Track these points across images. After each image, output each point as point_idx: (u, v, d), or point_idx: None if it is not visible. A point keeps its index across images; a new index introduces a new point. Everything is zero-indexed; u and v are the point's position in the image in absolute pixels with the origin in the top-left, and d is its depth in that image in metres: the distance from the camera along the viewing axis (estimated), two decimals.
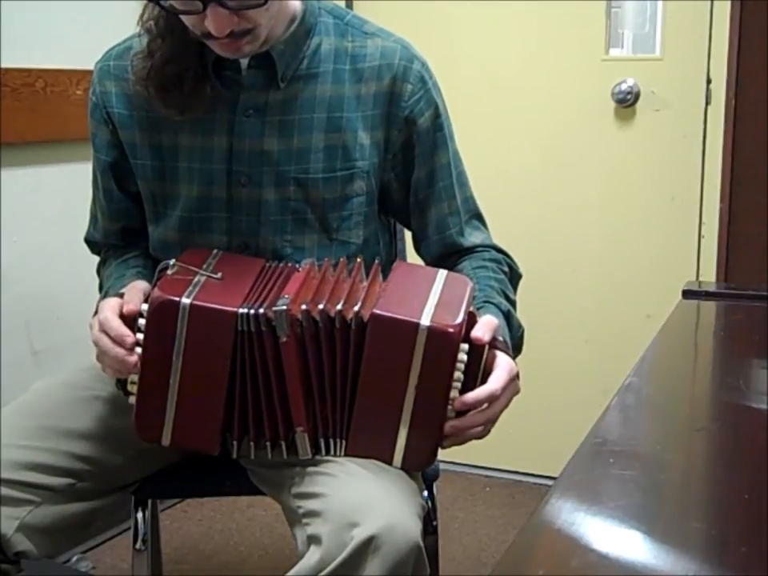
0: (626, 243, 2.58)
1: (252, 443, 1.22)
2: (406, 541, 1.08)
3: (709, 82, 2.42)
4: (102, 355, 1.23)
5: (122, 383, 1.25)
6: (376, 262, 1.29)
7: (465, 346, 1.15)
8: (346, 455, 1.20)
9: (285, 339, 1.15)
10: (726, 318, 1.48)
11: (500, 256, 1.43)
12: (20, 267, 2.11)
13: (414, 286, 1.20)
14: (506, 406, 1.19)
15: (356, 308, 1.15)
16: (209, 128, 1.35)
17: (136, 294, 1.25)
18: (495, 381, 1.17)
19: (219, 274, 1.22)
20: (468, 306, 1.18)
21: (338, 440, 1.20)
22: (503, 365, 1.19)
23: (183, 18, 1.23)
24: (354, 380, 1.16)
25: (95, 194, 1.50)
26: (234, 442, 1.22)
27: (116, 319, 1.21)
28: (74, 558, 2.21)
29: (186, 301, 1.15)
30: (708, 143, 2.45)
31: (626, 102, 2.50)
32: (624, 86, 2.50)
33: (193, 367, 1.17)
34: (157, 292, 1.17)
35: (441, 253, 1.42)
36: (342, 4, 2.70)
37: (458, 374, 1.14)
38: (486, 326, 1.17)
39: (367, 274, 1.27)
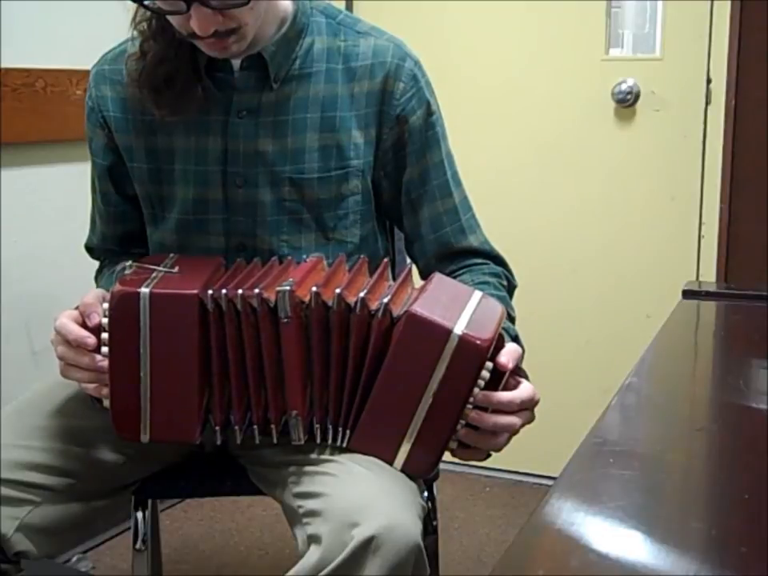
0: (626, 243, 2.59)
1: (237, 427, 1.21)
2: (406, 541, 1.08)
3: (709, 81, 2.43)
4: (67, 369, 1.22)
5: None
6: (409, 266, 1.29)
7: (489, 365, 1.14)
8: (348, 447, 1.19)
9: (286, 321, 1.14)
10: (726, 318, 1.48)
11: (499, 269, 1.43)
12: (20, 267, 2.11)
13: (450, 297, 1.19)
14: (525, 423, 1.18)
15: (385, 300, 1.14)
16: (203, 129, 1.35)
17: (92, 300, 1.22)
18: (520, 392, 1.17)
19: (176, 269, 1.23)
20: (498, 328, 1.17)
21: (341, 429, 1.19)
22: (529, 387, 1.19)
23: (170, 18, 1.23)
24: (370, 371, 1.15)
25: (94, 198, 1.50)
26: (217, 428, 1.21)
27: (71, 323, 1.20)
28: (74, 558, 2.21)
29: (145, 290, 1.16)
30: (708, 143, 2.45)
31: (626, 102, 2.50)
32: (624, 86, 2.50)
33: (161, 357, 1.17)
34: (116, 287, 1.17)
35: (436, 253, 1.41)
36: (342, 4, 2.71)
37: (476, 390, 1.14)
38: (511, 354, 1.17)
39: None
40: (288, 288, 1.14)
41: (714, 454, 0.96)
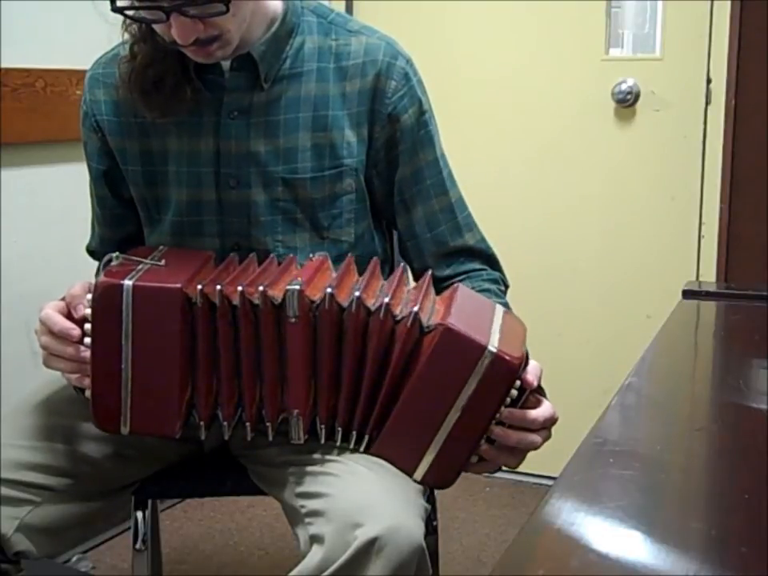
0: (626, 243, 2.59)
1: (225, 423, 1.19)
2: (409, 542, 1.08)
3: (709, 81, 2.43)
4: (50, 359, 1.21)
5: None
6: (428, 272, 1.28)
7: (518, 383, 1.14)
8: (370, 453, 1.18)
9: (294, 320, 1.14)
10: (726, 318, 1.48)
11: (496, 274, 1.43)
12: (20, 267, 2.11)
13: (475, 310, 1.19)
14: (543, 441, 1.18)
15: (415, 308, 1.13)
16: (195, 131, 1.35)
17: (79, 291, 1.23)
18: (543, 411, 1.17)
19: (162, 262, 1.22)
20: (524, 345, 1.17)
21: (354, 432, 1.18)
22: (550, 406, 1.19)
23: (154, 26, 1.23)
24: (394, 378, 1.14)
25: (92, 202, 1.51)
26: (201, 423, 1.19)
27: (57, 314, 1.20)
28: (74, 558, 2.21)
29: (128, 282, 1.15)
30: (708, 143, 2.45)
31: (626, 102, 2.50)
32: (624, 86, 2.50)
33: (143, 349, 1.16)
34: (100, 278, 1.17)
35: (432, 252, 1.41)
36: (342, 4, 2.71)
37: (502, 408, 1.13)
38: (535, 372, 1.17)
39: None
40: (297, 287, 1.13)
41: (713, 454, 0.96)
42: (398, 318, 1.14)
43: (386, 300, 1.13)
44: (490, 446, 1.16)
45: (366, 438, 1.18)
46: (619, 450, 0.91)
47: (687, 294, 1.49)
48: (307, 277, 1.19)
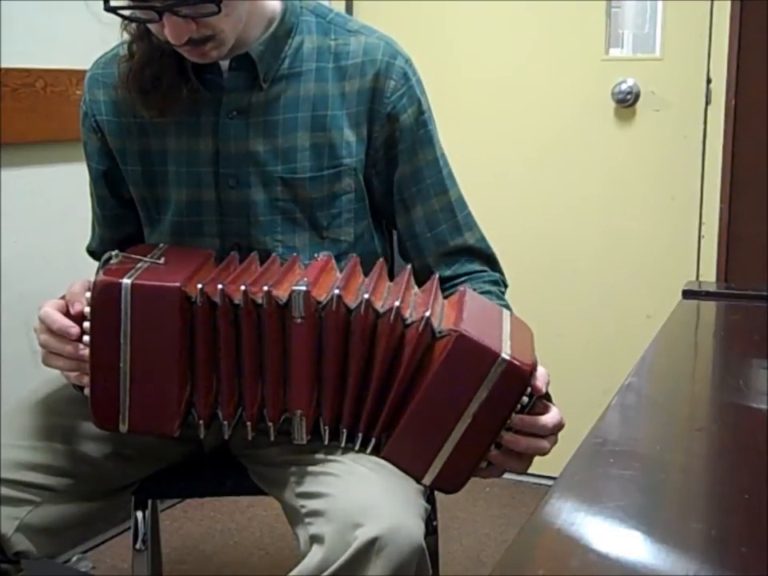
0: (625, 243, 2.59)
1: (225, 423, 1.19)
2: (409, 543, 1.08)
3: (709, 81, 2.43)
4: (48, 357, 1.22)
5: None
6: (435, 275, 1.28)
7: (528, 389, 1.13)
8: (378, 457, 1.18)
9: (300, 321, 1.14)
10: (726, 318, 1.48)
11: (496, 275, 1.43)
12: (20, 267, 2.11)
13: (484, 315, 1.19)
14: (550, 448, 1.18)
15: (427, 313, 1.13)
16: (194, 131, 1.35)
17: (78, 289, 1.23)
18: (552, 417, 1.17)
19: (162, 260, 1.22)
20: (534, 350, 1.16)
21: (360, 435, 1.17)
22: (557, 412, 1.19)
23: (149, 25, 1.23)
24: (403, 382, 1.14)
25: (92, 202, 1.51)
26: (200, 422, 1.19)
27: (56, 312, 1.20)
28: (74, 558, 2.21)
29: (126, 281, 1.15)
30: (708, 143, 2.45)
31: (626, 102, 2.51)
32: (624, 86, 2.50)
33: (141, 348, 1.16)
34: (99, 276, 1.17)
35: (432, 252, 1.41)
36: (342, 4, 2.71)
37: (513, 414, 1.13)
38: (544, 378, 1.17)
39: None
40: (304, 288, 1.13)
41: (713, 454, 0.96)
42: (408, 321, 1.14)
43: (397, 303, 1.13)
44: (499, 452, 1.16)
45: (373, 440, 1.18)
46: (619, 450, 0.91)
47: (687, 294, 1.49)
48: (312, 277, 1.18)
